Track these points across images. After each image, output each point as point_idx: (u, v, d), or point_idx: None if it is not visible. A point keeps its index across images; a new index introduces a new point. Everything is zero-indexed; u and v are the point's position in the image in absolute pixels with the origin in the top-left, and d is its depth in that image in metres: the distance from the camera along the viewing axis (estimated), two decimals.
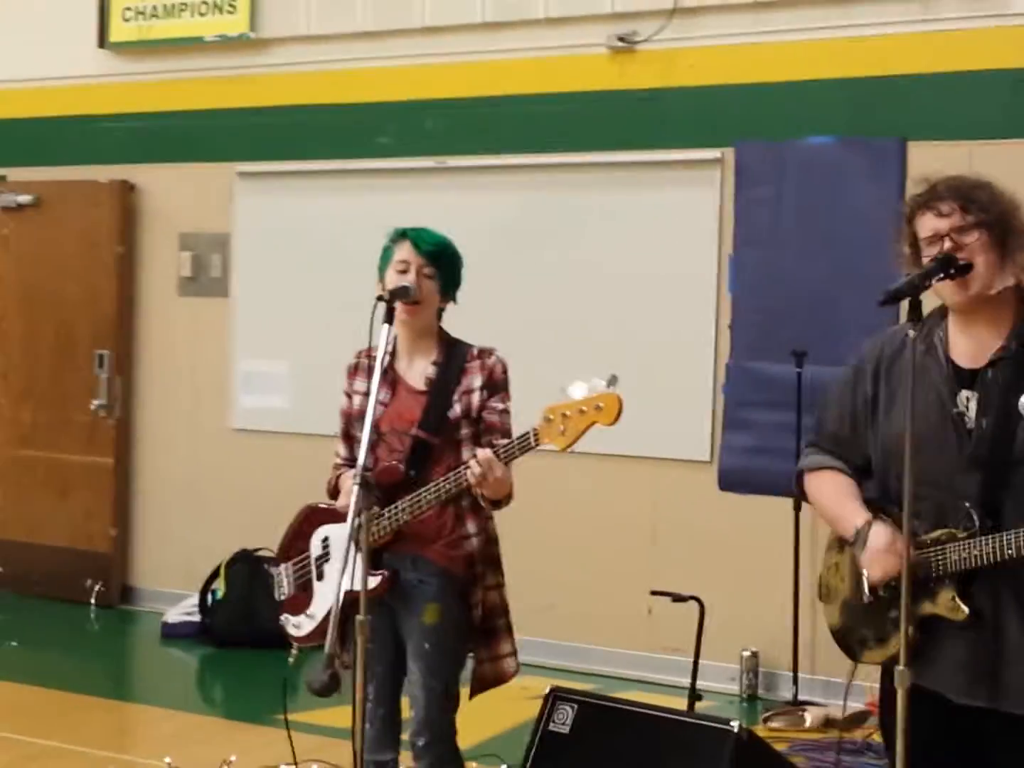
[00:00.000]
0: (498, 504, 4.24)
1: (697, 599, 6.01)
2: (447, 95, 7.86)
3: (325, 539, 4.44)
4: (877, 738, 6.16)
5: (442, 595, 4.31)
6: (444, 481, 4.16)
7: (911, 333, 3.30)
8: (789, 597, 6.81)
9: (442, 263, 4.38)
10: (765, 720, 6.49)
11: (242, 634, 7.65)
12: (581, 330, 7.44)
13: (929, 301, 3.45)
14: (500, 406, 4.34)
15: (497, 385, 4.35)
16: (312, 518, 4.51)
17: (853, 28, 6.92)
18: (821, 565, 3.74)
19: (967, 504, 3.36)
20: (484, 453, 4.05)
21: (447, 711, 4.37)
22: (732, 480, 7.12)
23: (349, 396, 4.46)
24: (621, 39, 7.39)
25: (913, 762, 3.30)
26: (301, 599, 4.48)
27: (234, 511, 8.27)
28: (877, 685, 5.92)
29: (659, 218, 7.34)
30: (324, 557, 4.43)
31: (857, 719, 6.39)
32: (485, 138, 7.77)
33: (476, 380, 4.33)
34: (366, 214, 7.98)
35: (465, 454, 4.27)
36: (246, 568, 7.83)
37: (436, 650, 4.31)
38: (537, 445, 4.02)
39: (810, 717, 6.43)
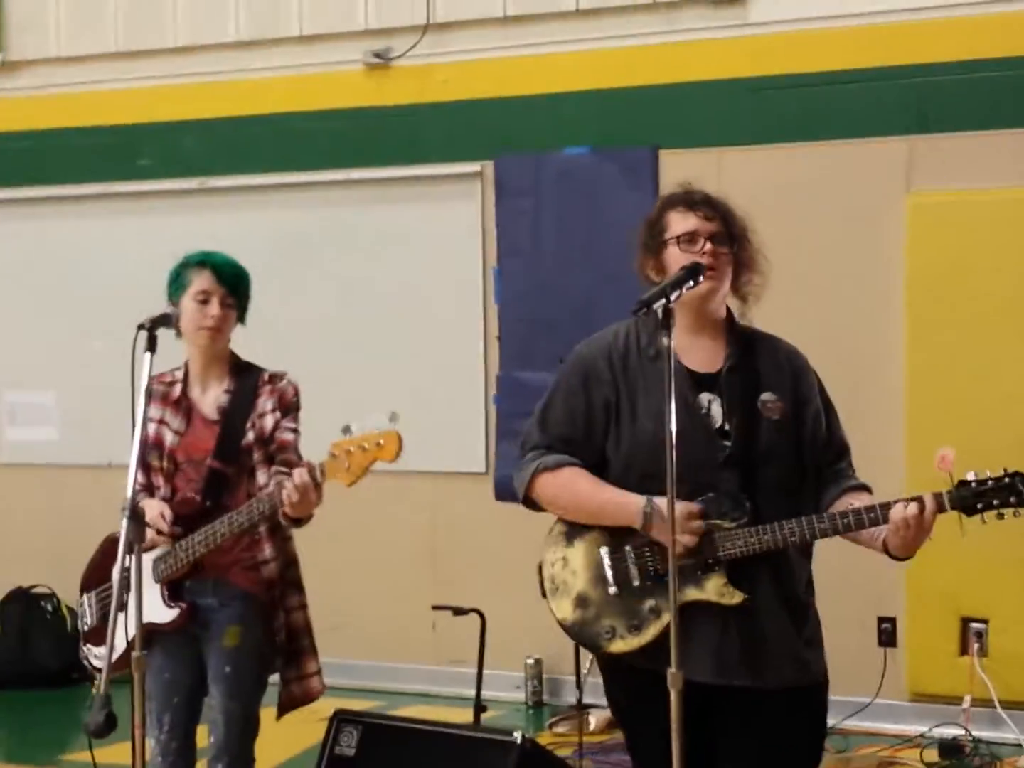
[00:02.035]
0: (300, 523, 4.26)
1: (478, 611, 6.07)
2: (205, 115, 7.79)
3: (126, 569, 4.38)
4: None
5: (243, 618, 4.34)
6: (236, 514, 4.19)
7: (665, 341, 3.34)
8: None
9: (240, 291, 4.41)
10: (551, 726, 6.61)
11: (18, 674, 7.43)
12: (353, 347, 7.48)
13: None
14: (292, 425, 4.38)
15: (289, 407, 4.38)
16: (113, 548, 4.43)
17: (602, 40, 7.07)
18: (543, 560, 3.80)
19: (731, 495, 3.52)
20: (302, 477, 4.05)
21: (246, 735, 4.40)
22: (508, 490, 7.12)
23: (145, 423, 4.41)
24: (376, 55, 7.43)
25: (652, 743, 3.51)
26: (103, 630, 4.38)
27: (5, 548, 8.05)
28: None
29: (423, 232, 7.40)
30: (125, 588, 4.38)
31: None
32: (245, 157, 7.73)
33: (268, 403, 4.36)
34: (128, 238, 7.89)
35: (260, 478, 4.31)
36: (20, 607, 7.61)
37: (236, 673, 4.33)
38: (324, 480, 4.08)
39: (594, 720, 6.54)
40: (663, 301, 3.38)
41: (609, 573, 3.63)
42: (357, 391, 7.42)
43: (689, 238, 3.60)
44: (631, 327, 3.68)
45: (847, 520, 3.48)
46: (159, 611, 4.26)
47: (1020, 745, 6.02)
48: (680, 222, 3.61)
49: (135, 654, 3.79)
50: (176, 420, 4.35)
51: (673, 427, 3.27)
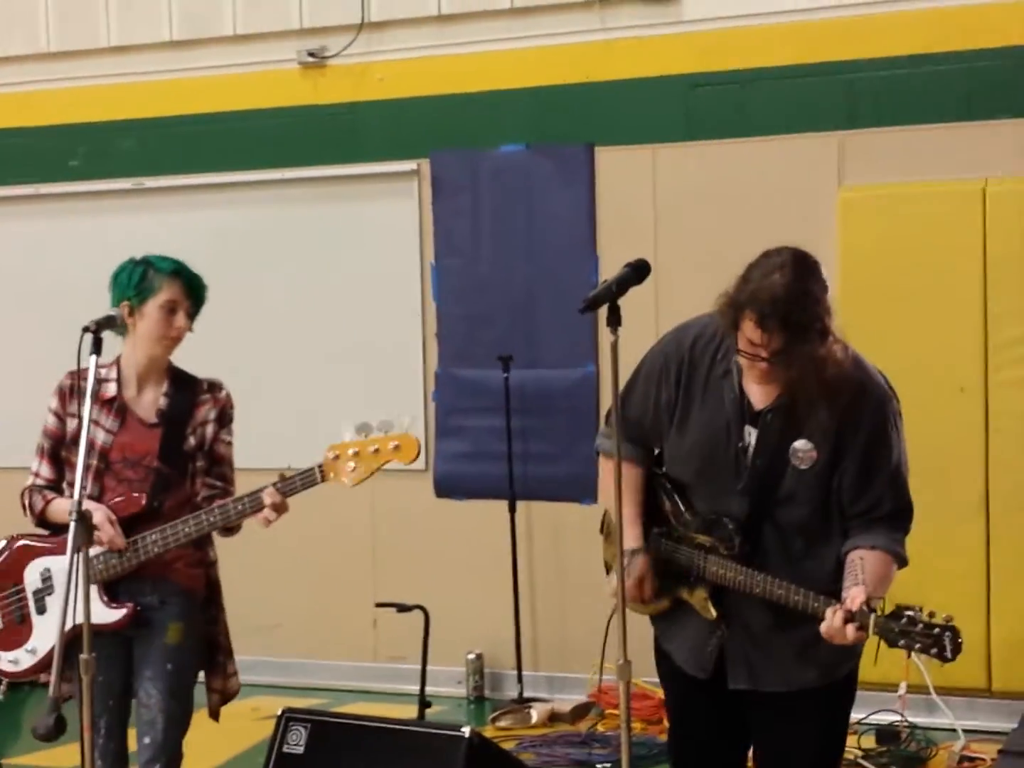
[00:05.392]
0: (234, 531, 4.35)
1: (422, 608, 6.10)
2: (140, 115, 7.76)
3: (45, 571, 4.38)
4: (601, 728, 6.39)
5: (184, 615, 4.37)
6: (207, 514, 4.23)
7: (611, 337, 3.44)
8: (510, 598, 6.97)
9: (201, 304, 4.44)
10: (493, 720, 6.62)
11: None
12: (291, 345, 7.48)
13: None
14: (228, 438, 4.45)
15: (227, 418, 4.45)
16: (21, 550, 4.44)
17: (537, 38, 7.11)
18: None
19: (732, 525, 3.71)
20: (276, 496, 4.17)
21: (182, 734, 4.41)
22: (447, 486, 7.24)
23: (60, 418, 4.41)
24: (311, 54, 7.44)
25: (674, 703, 3.98)
26: (17, 633, 4.40)
27: None
28: (597, 676, 6.18)
29: (361, 230, 7.41)
30: (46, 590, 4.38)
31: (581, 711, 6.59)
32: (181, 157, 7.71)
33: (211, 413, 4.42)
34: (63, 239, 7.84)
35: (197, 485, 4.37)
36: None
37: (177, 671, 4.35)
38: (323, 481, 4.18)
39: (536, 713, 6.59)
40: (609, 300, 3.49)
41: None
42: (295, 389, 7.43)
43: (751, 345, 3.56)
44: (720, 328, 3.70)
45: (798, 598, 3.60)
46: (99, 612, 4.22)
47: (955, 730, 6.12)
48: (749, 330, 3.55)
49: (83, 656, 3.78)
50: (108, 419, 4.35)
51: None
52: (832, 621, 3.49)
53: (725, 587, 3.72)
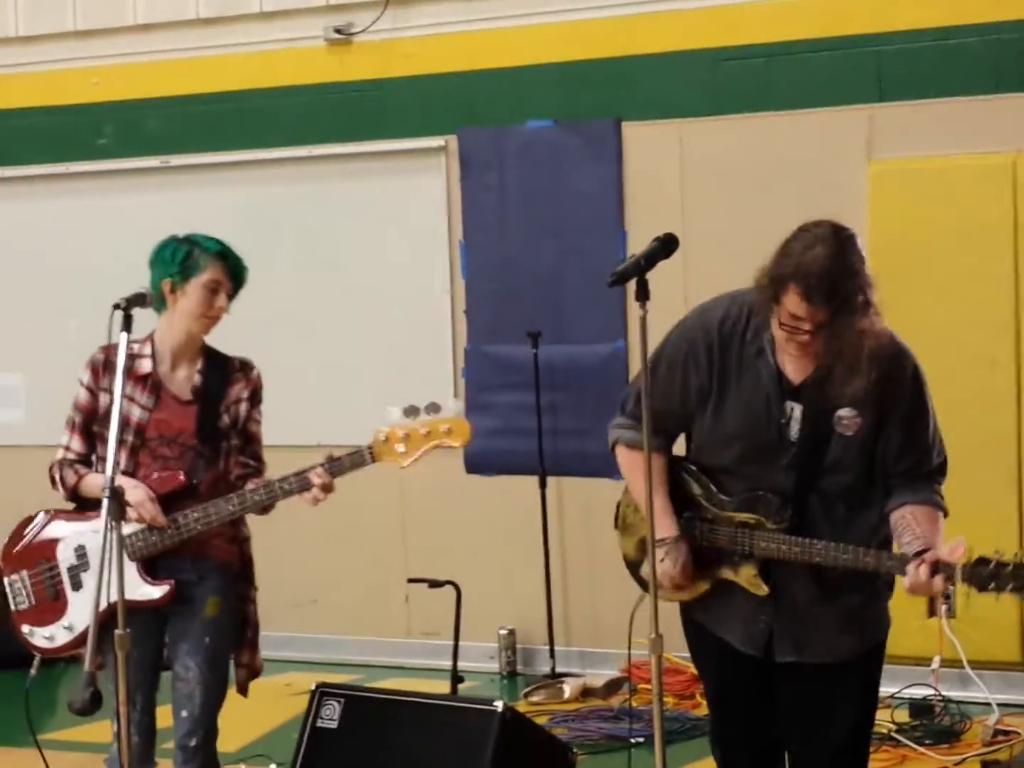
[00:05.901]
0: (268, 511, 4.38)
1: (453, 583, 6.12)
2: (166, 93, 7.77)
3: (80, 547, 4.40)
4: (634, 703, 6.40)
5: (221, 589, 4.40)
6: (253, 493, 4.26)
7: (640, 312, 3.44)
8: (541, 573, 6.98)
9: (240, 286, 4.47)
10: (526, 695, 6.65)
11: None
12: (320, 323, 7.49)
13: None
14: (259, 417, 4.48)
15: (259, 397, 4.48)
16: (53, 526, 4.46)
17: (564, 13, 7.09)
18: (622, 497, 4.07)
19: (778, 500, 3.73)
20: (325, 476, 4.20)
21: (218, 707, 4.44)
22: (478, 463, 7.25)
23: (93, 392, 4.41)
24: (338, 31, 7.43)
25: (710, 683, 4.03)
26: (50, 609, 4.42)
27: None
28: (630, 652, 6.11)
29: (389, 207, 7.41)
30: (81, 567, 4.40)
31: (613, 686, 6.60)
32: (208, 135, 7.72)
33: (244, 392, 4.44)
34: (91, 218, 7.86)
35: (231, 463, 4.40)
36: None
37: (215, 644, 4.39)
38: (373, 462, 4.22)
39: (568, 688, 6.62)
40: (637, 274, 3.50)
41: None
42: (323, 366, 7.45)
43: (793, 318, 3.58)
44: (744, 307, 3.75)
45: (868, 560, 3.67)
46: (141, 589, 4.27)
47: (989, 704, 6.10)
48: (793, 304, 3.55)
49: (118, 632, 3.81)
50: (143, 396, 4.37)
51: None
52: (918, 574, 3.55)
53: (769, 563, 3.73)
